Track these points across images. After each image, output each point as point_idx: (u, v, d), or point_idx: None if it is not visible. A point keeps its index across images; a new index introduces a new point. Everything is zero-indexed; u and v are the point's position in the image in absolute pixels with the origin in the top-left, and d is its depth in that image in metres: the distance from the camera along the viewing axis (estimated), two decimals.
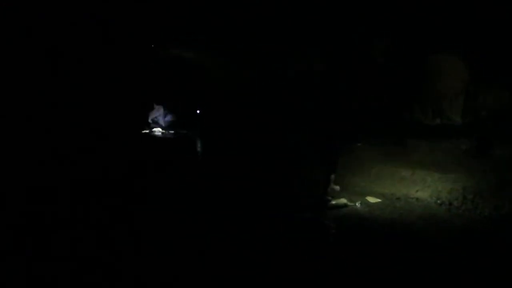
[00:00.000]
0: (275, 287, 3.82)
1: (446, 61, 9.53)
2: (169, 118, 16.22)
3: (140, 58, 15.72)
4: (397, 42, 10.69)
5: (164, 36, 15.50)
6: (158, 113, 16.33)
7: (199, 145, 13.27)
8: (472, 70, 9.35)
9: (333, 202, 6.40)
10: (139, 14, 14.29)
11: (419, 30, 10.23)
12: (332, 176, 6.78)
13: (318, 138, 7.44)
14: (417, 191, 6.88)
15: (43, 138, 10.42)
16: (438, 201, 6.37)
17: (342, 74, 11.54)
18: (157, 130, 16.07)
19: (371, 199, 6.73)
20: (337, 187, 6.90)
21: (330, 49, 11.99)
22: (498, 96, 9.07)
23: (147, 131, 16.00)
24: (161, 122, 16.26)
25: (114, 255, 4.47)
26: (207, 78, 14.94)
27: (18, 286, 3.79)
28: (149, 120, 16.28)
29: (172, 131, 15.58)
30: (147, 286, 3.84)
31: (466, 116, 9.27)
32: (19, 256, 4.33)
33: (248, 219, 5.69)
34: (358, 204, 6.45)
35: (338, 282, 3.92)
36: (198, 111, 15.59)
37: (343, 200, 6.46)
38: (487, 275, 3.97)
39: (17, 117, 11.18)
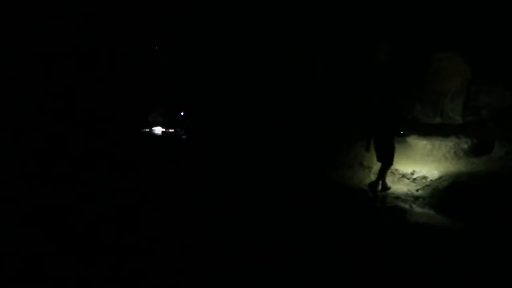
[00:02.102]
0: None
1: (447, 59, 9.47)
2: (168, 117, 16.22)
3: (140, 61, 15.84)
4: (399, 42, 10.65)
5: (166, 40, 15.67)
6: (157, 112, 16.35)
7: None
8: (474, 69, 9.30)
9: None
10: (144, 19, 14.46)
11: (420, 29, 10.20)
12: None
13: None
14: (417, 190, 6.83)
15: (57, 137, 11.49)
16: (439, 200, 6.31)
17: (344, 74, 11.51)
18: (157, 129, 16.09)
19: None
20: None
21: (332, 49, 11.96)
22: (499, 95, 9.01)
23: (148, 130, 16.03)
24: (161, 121, 16.26)
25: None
26: (207, 78, 14.93)
27: None
28: (149, 119, 16.30)
29: (172, 130, 15.58)
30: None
31: (467, 115, 9.22)
32: None
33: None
34: None
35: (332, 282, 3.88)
36: (182, 113, 15.64)
37: None
38: (487, 276, 3.91)
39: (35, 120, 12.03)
